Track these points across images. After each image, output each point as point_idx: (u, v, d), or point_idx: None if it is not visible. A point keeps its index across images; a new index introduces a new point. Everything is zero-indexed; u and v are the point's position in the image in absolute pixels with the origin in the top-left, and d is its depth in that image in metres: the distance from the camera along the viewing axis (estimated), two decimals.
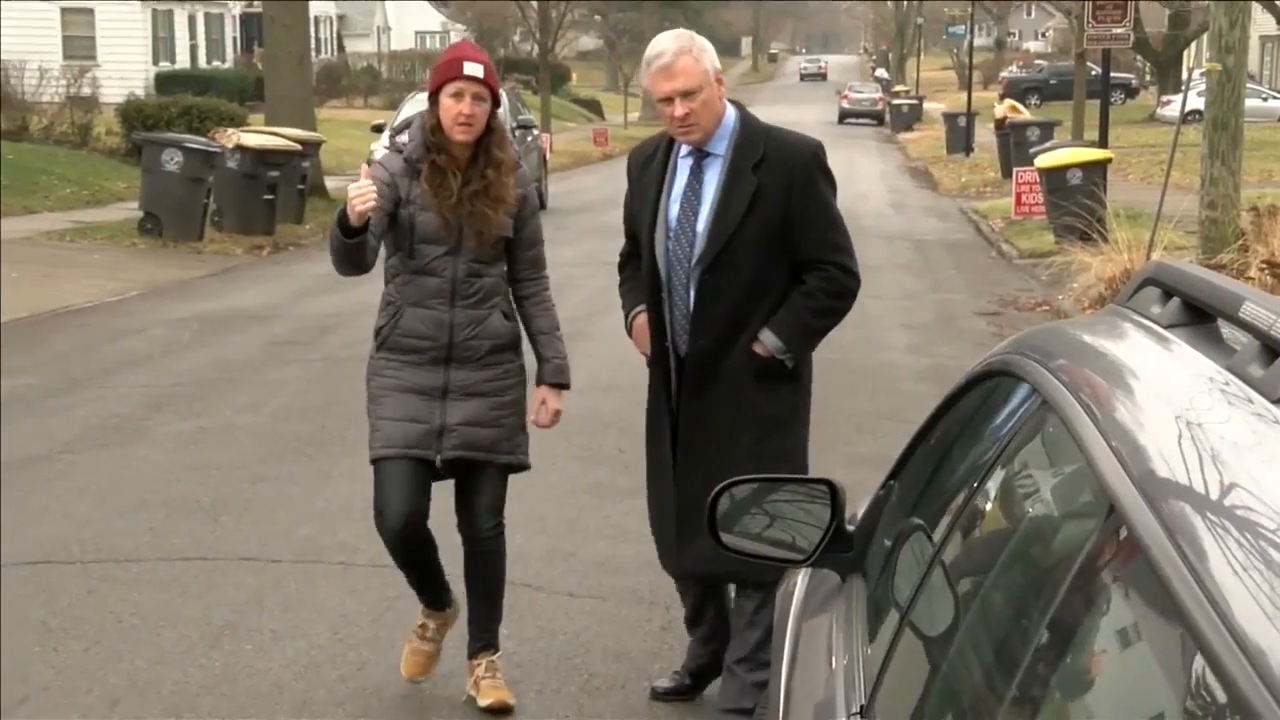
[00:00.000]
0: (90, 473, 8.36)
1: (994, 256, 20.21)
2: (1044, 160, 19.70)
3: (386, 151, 5.17)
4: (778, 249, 4.76)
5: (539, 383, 5.23)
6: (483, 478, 5.14)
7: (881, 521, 3.11)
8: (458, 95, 4.89)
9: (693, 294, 4.79)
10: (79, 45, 44.12)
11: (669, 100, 4.67)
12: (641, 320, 4.96)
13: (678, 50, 4.68)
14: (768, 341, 4.75)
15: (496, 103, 5.02)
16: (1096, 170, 18.79)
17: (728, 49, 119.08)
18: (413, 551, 5.10)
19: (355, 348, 12.74)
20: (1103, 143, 20.55)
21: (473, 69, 4.91)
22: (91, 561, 6.81)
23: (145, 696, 5.31)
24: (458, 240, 4.98)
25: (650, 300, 4.90)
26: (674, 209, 4.83)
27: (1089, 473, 1.86)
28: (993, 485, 2.37)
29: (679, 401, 4.87)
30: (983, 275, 18.08)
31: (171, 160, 19.33)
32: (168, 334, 13.02)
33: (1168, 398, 1.98)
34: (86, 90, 31.89)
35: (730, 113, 4.83)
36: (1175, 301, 2.23)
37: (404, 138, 5.14)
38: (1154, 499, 1.65)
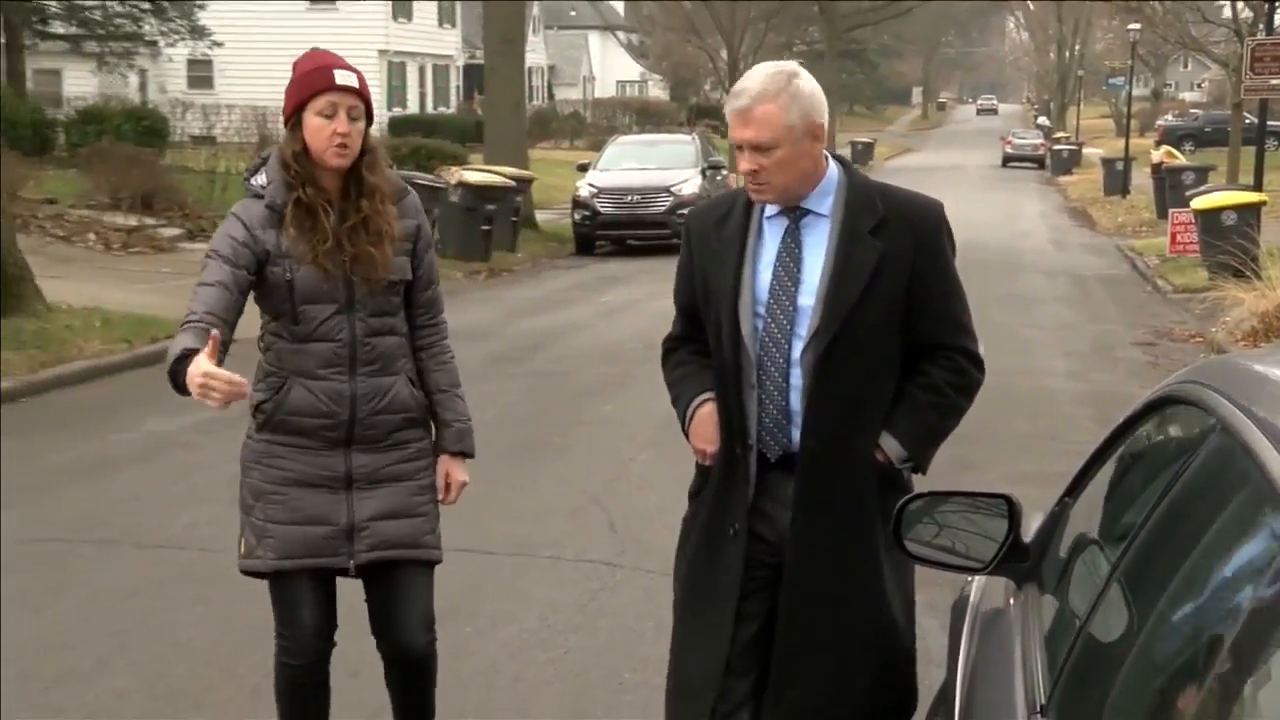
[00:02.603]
0: None
1: (1149, 291, 19.68)
2: (1199, 202, 19.14)
3: (246, 199, 3.85)
4: (897, 329, 3.52)
5: (439, 451, 4.05)
6: (408, 581, 3.92)
7: (1056, 535, 3.03)
8: (329, 112, 3.66)
9: (797, 382, 3.49)
10: None
11: (741, 149, 3.46)
12: (708, 411, 3.58)
13: (759, 94, 3.41)
14: (889, 448, 3.51)
15: (370, 118, 3.80)
16: (1250, 212, 18.22)
17: (900, 97, 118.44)
18: (315, 688, 4.01)
19: (562, 364, 12.97)
20: (1257, 186, 19.91)
21: (345, 77, 3.69)
22: None
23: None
24: (348, 293, 3.74)
25: (727, 390, 3.54)
26: (763, 279, 3.52)
27: (1273, 497, 1.79)
28: (1172, 506, 2.29)
29: (758, 512, 3.55)
30: (1138, 308, 17.62)
31: None
32: None
33: None
34: None
35: (833, 168, 3.56)
36: None
37: (260, 179, 3.81)
38: None
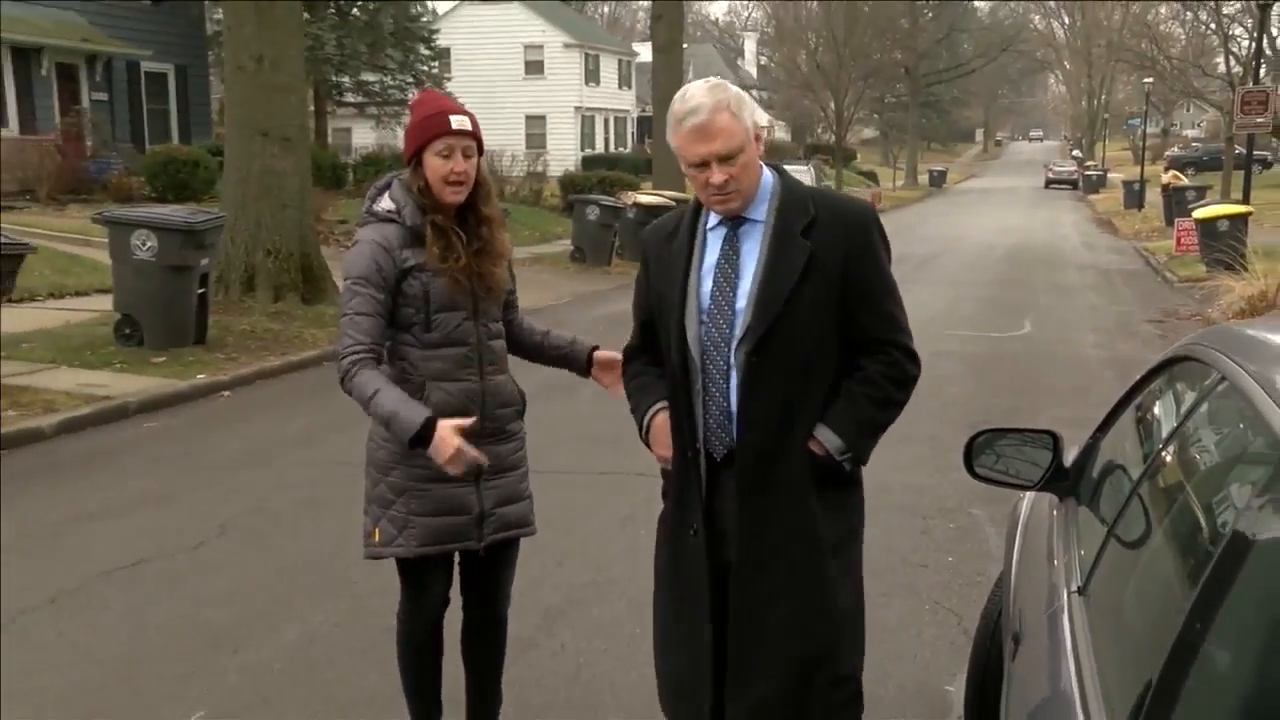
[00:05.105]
0: (544, 415, 8.53)
1: (1159, 281, 18.94)
2: (1199, 213, 18.47)
3: (373, 224, 3.24)
4: (831, 326, 2.73)
5: (591, 353, 3.59)
6: (510, 554, 3.44)
7: (1090, 462, 2.96)
8: (446, 153, 3.11)
9: (735, 382, 2.73)
10: (535, 139, 45.97)
11: (704, 165, 2.68)
12: (662, 419, 2.89)
13: (714, 106, 2.66)
14: (826, 440, 2.73)
15: (481, 152, 3.22)
16: (1240, 220, 17.52)
17: (966, 136, 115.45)
18: (438, 646, 3.45)
19: None
20: (1245, 200, 19.10)
21: (459, 122, 3.12)
22: (543, 471, 6.97)
23: (580, 560, 5.49)
24: (474, 303, 3.23)
25: (676, 396, 2.82)
26: (706, 286, 2.78)
27: (1264, 431, 1.72)
28: (1182, 438, 2.22)
29: (715, 510, 2.81)
30: (1150, 294, 16.98)
31: (592, 213, 19.90)
32: (590, 325, 13.31)
33: None
34: (539, 168, 33.05)
35: (768, 175, 2.81)
36: None
37: (386, 203, 3.21)
38: None
